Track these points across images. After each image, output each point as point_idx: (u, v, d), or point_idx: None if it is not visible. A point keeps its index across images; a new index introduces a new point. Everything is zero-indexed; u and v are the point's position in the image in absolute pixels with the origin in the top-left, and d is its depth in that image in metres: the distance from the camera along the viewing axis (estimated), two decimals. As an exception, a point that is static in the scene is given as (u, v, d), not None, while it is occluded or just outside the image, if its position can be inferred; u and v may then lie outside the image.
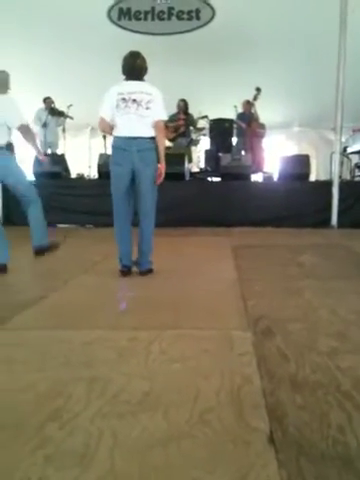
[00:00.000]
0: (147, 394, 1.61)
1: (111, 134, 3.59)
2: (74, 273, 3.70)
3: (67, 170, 8.18)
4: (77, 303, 2.88)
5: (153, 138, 3.51)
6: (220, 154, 8.02)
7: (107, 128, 3.58)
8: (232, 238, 5.79)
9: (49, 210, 7.30)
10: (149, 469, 1.19)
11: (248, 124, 8.59)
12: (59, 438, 1.33)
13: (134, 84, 3.49)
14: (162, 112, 3.53)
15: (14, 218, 7.49)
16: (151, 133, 3.50)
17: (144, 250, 3.61)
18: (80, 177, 8.82)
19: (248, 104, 8.63)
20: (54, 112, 8.91)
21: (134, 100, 3.43)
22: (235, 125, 8.75)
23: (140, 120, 3.44)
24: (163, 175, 3.57)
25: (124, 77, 3.55)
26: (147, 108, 3.44)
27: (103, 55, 8.18)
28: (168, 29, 8.52)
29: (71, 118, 9.00)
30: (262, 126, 8.94)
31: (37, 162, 7.84)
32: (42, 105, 9.00)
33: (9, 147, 4.00)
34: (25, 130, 4.01)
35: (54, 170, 7.57)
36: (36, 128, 8.62)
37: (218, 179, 7.81)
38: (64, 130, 9.28)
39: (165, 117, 3.59)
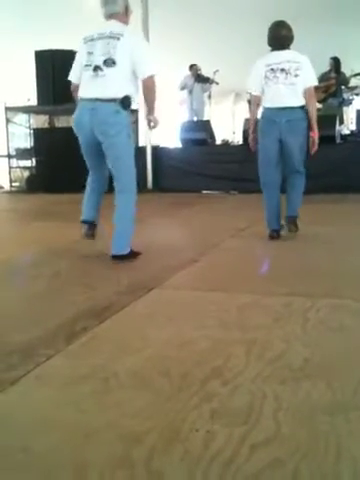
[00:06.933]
0: (307, 361, 1.57)
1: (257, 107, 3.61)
2: (222, 238, 3.75)
3: (212, 137, 8.24)
4: (227, 267, 2.92)
5: (303, 107, 3.43)
6: (375, 115, 7.43)
7: (255, 103, 3.60)
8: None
9: (196, 177, 7.55)
10: (317, 436, 1.15)
11: None
12: (223, 395, 1.35)
13: (281, 54, 3.45)
14: (312, 78, 3.48)
15: (164, 184, 7.83)
16: (301, 102, 3.43)
17: (290, 200, 3.65)
18: (225, 143, 8.83)
19: None
20: (200, 79, 8.97)
21: (282, 69, 3.41)
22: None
23: (289, 88, 3.40)
24: (317, 144, 3.50)
25: (270, 49, 3.51)
26: (296, 75, 3.40)
27: (249, 20, 7.98)
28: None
29: (217, 83, 8.98)
30: None
31: (184, 129, 8.03)
32: (188, 72, 9.11)
33: (124, 102, 2.84)
34: (151, 84, 2.88)
35: (200, 137, 7.68)
36: (182, 95, 8.78)
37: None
38: (210, 96, 9.32)
39: (315, 83, 3.53)
